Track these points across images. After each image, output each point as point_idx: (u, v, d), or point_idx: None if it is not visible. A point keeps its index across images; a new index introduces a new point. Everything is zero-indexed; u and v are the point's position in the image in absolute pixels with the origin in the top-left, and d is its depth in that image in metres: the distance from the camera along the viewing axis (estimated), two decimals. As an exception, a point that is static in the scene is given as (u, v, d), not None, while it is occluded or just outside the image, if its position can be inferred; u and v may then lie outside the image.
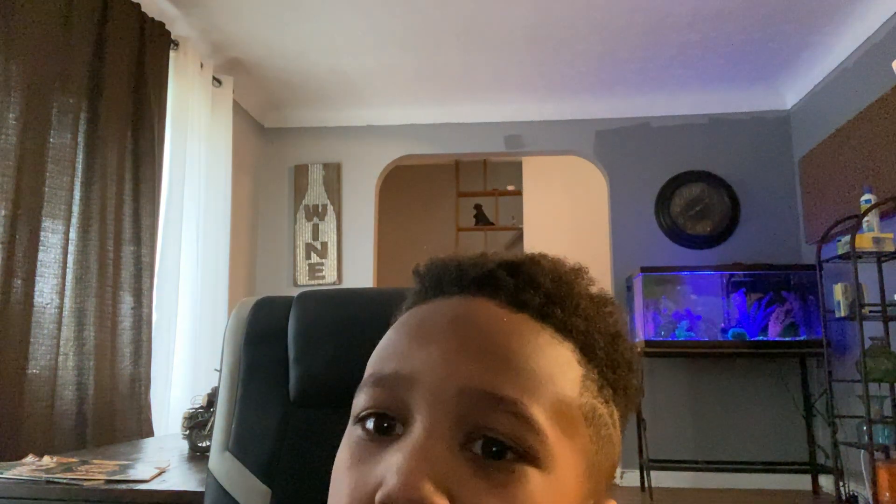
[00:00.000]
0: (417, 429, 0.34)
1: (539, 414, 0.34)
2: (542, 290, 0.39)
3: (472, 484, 0.32)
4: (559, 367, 0.36)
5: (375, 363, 0.38)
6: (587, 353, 0.39)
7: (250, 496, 0.62)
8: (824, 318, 3.42)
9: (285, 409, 0.67)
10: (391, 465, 0.33)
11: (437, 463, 0.32)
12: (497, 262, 0.40)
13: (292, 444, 0.65)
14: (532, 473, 0.33)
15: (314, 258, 4.62)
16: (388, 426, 0.36)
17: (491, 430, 0.33)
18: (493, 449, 0.33)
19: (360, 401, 0.37)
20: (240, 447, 0.65)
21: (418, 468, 0.32)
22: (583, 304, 0.40)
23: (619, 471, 4.22)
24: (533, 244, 5.68)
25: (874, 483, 2.94)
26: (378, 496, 0.32)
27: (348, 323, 0.63)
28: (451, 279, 0.40)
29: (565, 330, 0.38)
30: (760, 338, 3.99)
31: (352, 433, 0.37)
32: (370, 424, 0.36)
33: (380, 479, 0.33)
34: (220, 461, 0.65)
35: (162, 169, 3.15)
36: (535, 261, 0.41)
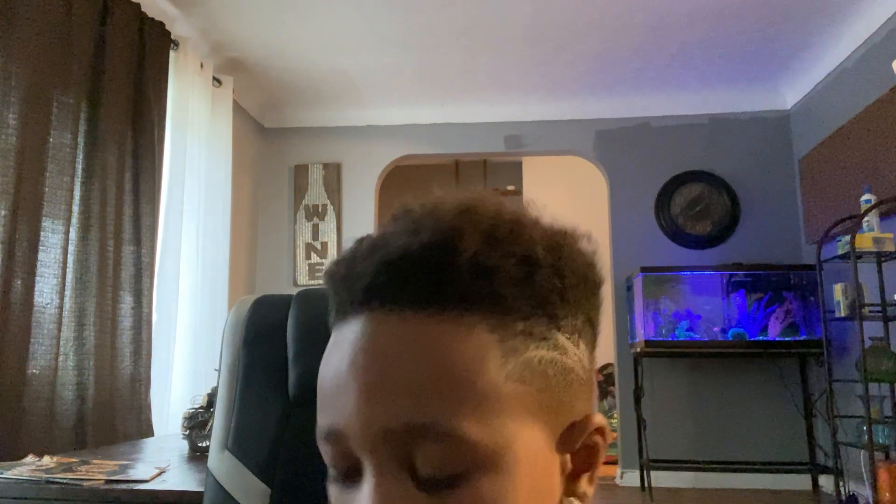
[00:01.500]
0: (368, 476, 0.35)
1: (464, 424, 0.33)
2: (425, 278, 0.35)
3: None
4: (469, 358, 0.34)
5: (318, 412, 0.38)
6: (501, 311, 0.35)
7: (249, 495, 0.62)
8: (824, 318, 3.42)
9: (284, 408, 0.66)
10: None
11: (394, 501, 0.33)
12: (377, 263, 0.37)
13: (291, 442, 0.65)
14: (483, 480, 0.34)
15: (314, 258, 4.62)
16: (352, 472, 0.36)
17: (427, 461, 0.33)
18: (439, 477, 0.33)
19: (323, 451, 0.38)
20: (239, 446, 0.65)
21: None
22: (480, 260, 0.35)
23: (619, 470, 4.23)
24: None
25: (874, 483, 2.94)
26: None
27: (347, 322, 0.63)
28: (347, 296, 0.38)
29: (468, 303, 0.35)
30: (760, 338, 3.99)
31: (329, 481, 0.38)
32: (337, 476, 0.37)
33: None
34: (219, 460, 0.65)
35: (162, 169, 3.15)
36: (407, 247, 0.36)
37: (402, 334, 0.35)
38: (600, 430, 0.40)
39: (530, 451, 0.35)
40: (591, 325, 0.41)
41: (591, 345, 0.41)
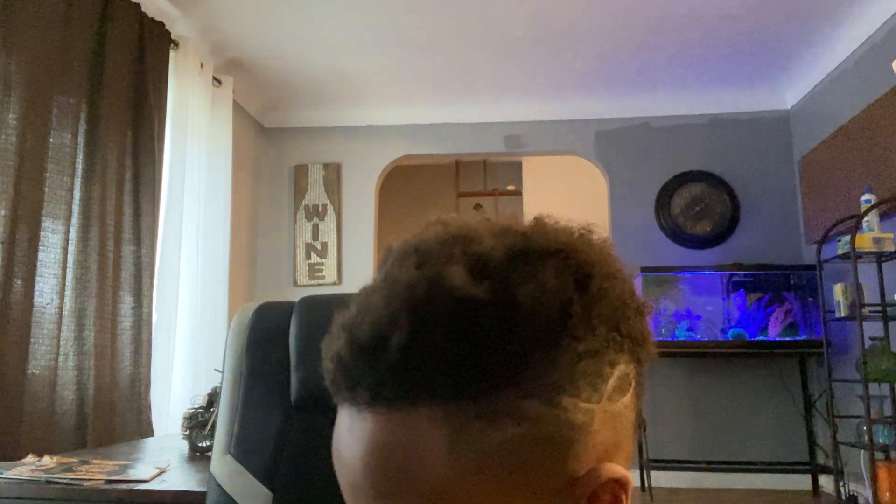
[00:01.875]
0: None
1: None
2: (364, 380, 0.34)
3: None
4: (418, 459, 0.33)
5: None
6: (446, 397, 0.32)
7: (252, 499, 0.62)
8: (824, 318, 3.42)
9: (287, 414, 0.67)
10: None
11: None
12: (334, 356, 0.35)
13: (294, 447, 0.65)
14: None
15: (314, 258, 4.62)
16: None
17: None
18: None
19: None
20: (242, 450, 0.66)
21: None
22: (408, 350, 0.32)
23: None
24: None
25: (874, 483, 2.94)
26: None
27: (350, 327, 0.63)
28: (329, 386, 0.37)
29: (408, 398, 0.33)
30: (760, 338, 3.99)
31: None
32: None
33: None
34: (222, 464, 0.65)
35: (162, 169, 3.15)
36: (354, 332, 0.34)
37: (357, 438, 0.35)
38: (615, 483, 0.35)
39: None
40: (590, 357, 0.35)
41: (590, 385, 0.35)
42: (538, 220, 0.39)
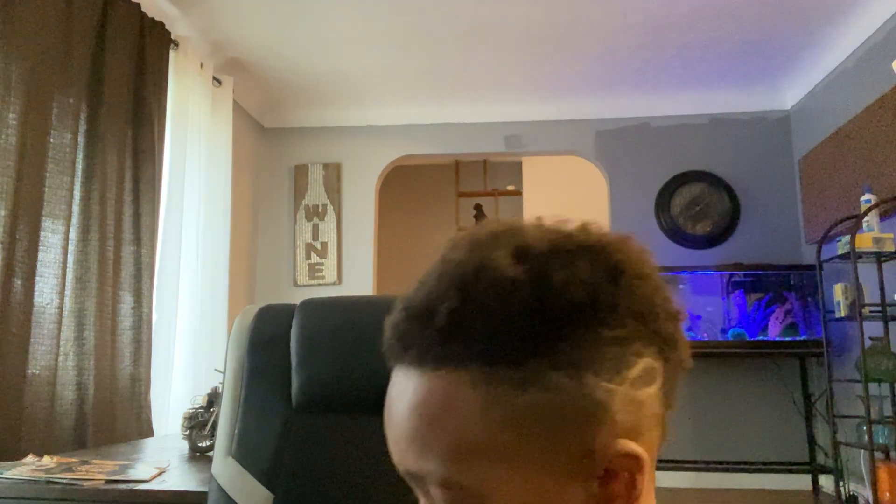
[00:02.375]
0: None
1: (456, 473, 0.37)
2: (415, 336, 0.39)
3: None
4: (456, 414, 0.37)
5: None
6: (482, 361, 0.37)
7: (253, 500, 0.62)
8: (824, 318, 3.42)
9: (288, 415, 0.66)
10: None
11: None
12: (392, 323, 0.41)
13: (294, 449, 0.65)
14: None
15: (314, 258, 4.62)
16: None
17: (433, 499, 0.39)
18: None
19: None
20: (243, 452, 0.66)
21: None
22: (461, 315, 0.37)
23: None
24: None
25: (874, 483, 2.94)
26: None
27: (350, 330, 0.63)
28: (386, 351, 0.42)
29: (450, 361, 0.38)
30: (760, 338, 3.99)
31: None
32: None
33: None
34: (223, 466, 0.65)
35: (162, 169, 3.15)
36: (414, 297, 0.40)
37: (407, 393, 0.40)
38: (626, 456, 0.38)
39: (531, 490, 0.37)
40: (620, 344, 0.39)
41: (613, 368, 0.38)
42: (585, 223, 0.44)
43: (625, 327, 0.39)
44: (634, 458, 0.38)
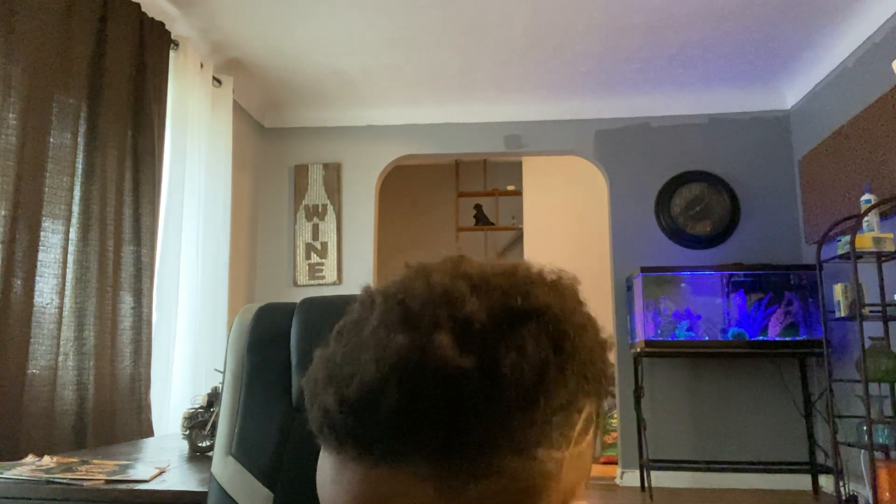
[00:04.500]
0: None
1: None
2: (354, 434, 0.35)
3: None
4: None
5: None
6: (433, 454, 0.34)
7: (253, 500, 0.62)
8: (824, 318, 3.42)
9: (288, 414, 0.67)
10: None
11: None
12: (321, 411, 0.37)
13: (294, 448, 0.65)
14: None
15: (314, 258, 4.62)
16: None
17: None
18: None
19: None
20: (243, 451, 0.66)
21: None
22: (399, 413, 0.34)
23: (619, 470, 4.23)
24: (533, 244, 5.69)
25: (874, 483, 2.94)
26: None
27: (351, 328, 0.62)
28: (320, 433, 0.38)
29: (398, 455, 0.35)
30: (760, 338, 3.99)
31: None
32: None
33: None
34: (223, 465, 0.65)
35: (162, 169, 3.15)
36: (339, 386, 0.36)
37: (346, 485, 0.36)
38: None
39: None
40: (562, 410, 0.37)
41: (561, 435, 0.37)
42: (515, 270, 0.40)
43: (569, 390, 0.37)
44: None
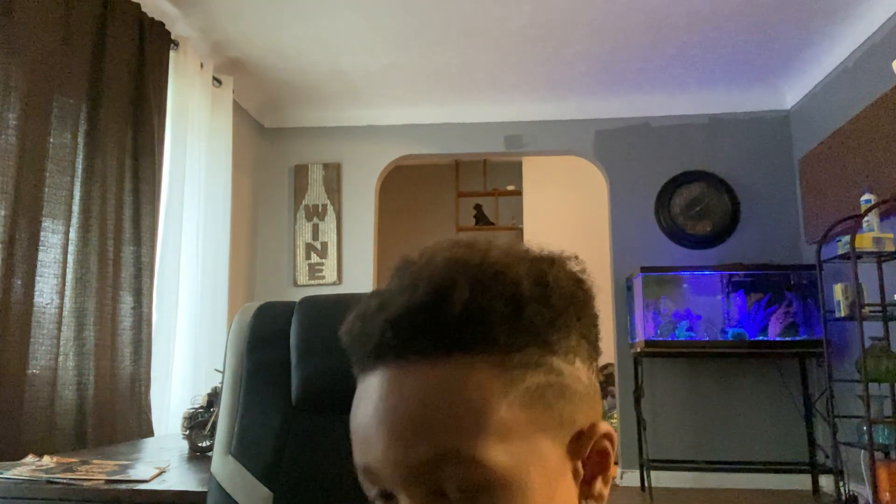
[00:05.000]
0: (404, 502, 0.40)
1: (479, 450, 0.38)
2: (426, 331, 0.40)
3: None
4: (477, 394, 0.39)
5: (354, 451, 0.43)
6: (497, 349, 0.40)
7: (252, 499, 0.62)
8: (824, 318, 3.42)
9: (287, 414, 0.67)
10: None
11: None
12: (381, 325, 0.41)
13: (294, 447, 0.65)
14: (505, 492, 0.38)
15: (314, 258, 4.62)
16: (392, 497, 0.41)
17: (451, 485, 0.38)
18: (464, 496, 0.38)
19: (361, 481, 0.43)
20: (242, 451, 0.66)
21: None
22: (470, 308, 0.40)
23: (619, 470, 4.23)
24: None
25: (874, 483, 2.94)
26: None
27: (351, 327, 0.62)
28: (362, 356, 0.42)
29: (467, 347, 0.40)
30: (760, 338, 3.99)
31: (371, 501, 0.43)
32: (379, 499, 0.42)
33: None
34: (222, 464, 0.65)
35: (162, 169, 3.15)
36: (408, 306, 0.40)
37: (414, 383, 0.40)
38: (607, 436, 0.44)
39: (541, 465, 0.40)
40: (587, 339, 0.45)
41: (591, 358, 0.45)
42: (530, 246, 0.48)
43: (589, 328, 0.45)
44: (610, 438, 0.44)
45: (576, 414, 0.43)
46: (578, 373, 0.43)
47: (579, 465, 0.43)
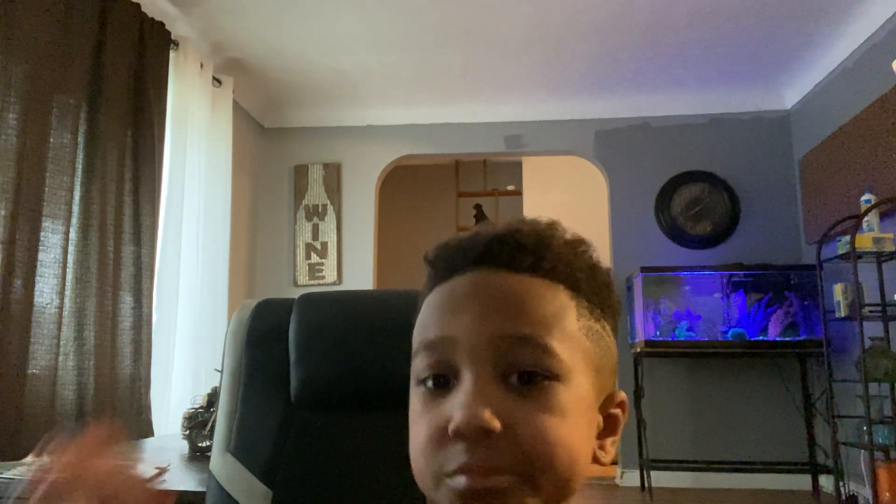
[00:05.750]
0: (467, 376, 0.45)
1: (553, 342, 0.45)
2: (529, 252, 0.48)
3: (517, 405, 0.44)
4: (559, 306, 0.48)
5: (420, 332, 0.49)
6: (575, 289, 0.49)
7: (251, 497, 0.62)
8: (824, 318, 3.41)
9: (286, 411, 0.66)
10: (455, 405, 0.44)
11: (488, 397, 0.43)
12: (489, 238, 0.49)
13: (293, 445, 0.65)
14: (556, 387, 0.45)
15: (314, 258, 4.61)
16: (442, 381, 0.47)
17: (520, 362, 0.45)
18: (525, 377, 0.45)
19: (418, 365, 0.48)
20: (241, 449, 0.66)
21: (476, 402, 0.43)
22: (563, 252, 0.50)
23: (619, 470, 4.23)
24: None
25: (874, 483, 2.94)
26: (451, 427, 0.43)
27: (349, 325, 0.62)
28: (459, 260, 0.50)
29: (555, 276, 0.49)
30: (760, 338, 3.99)
31: (416, 392, 0.49)
32: (430, 383, 0.47)
33: (448, 416, 0.44)
34: (221, 463, 0.65)
35: (162, 169, 3.15)
36: (517, 228, 0.50)
37: (508, 282, 0.48)
38: (622, 405, 0.53)
39: (585, 387, 0.48)
40: (616, 329, 0.53)
41: (614, 332, 0.54)
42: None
43: (617, 315, 0.55)
44: (625, 407, 0.53)
45: (609, 374, 0.51)
46: (614, 347, 0.53)
47: (601, 419, 0.51)
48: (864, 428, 3.00)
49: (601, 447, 0.51)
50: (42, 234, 2.42)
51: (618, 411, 0.52)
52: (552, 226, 0.52)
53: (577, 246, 0.52)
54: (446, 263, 0.51)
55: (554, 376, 0.45)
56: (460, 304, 0.47)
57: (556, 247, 0.50)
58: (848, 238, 3.08)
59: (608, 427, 0.51)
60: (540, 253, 0.49)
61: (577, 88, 4.35)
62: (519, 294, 0.47)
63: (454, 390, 0.45)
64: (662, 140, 4.51)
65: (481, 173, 6.31)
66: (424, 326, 0.49)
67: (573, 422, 0.45)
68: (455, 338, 0.46)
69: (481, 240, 0.50)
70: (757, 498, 3.79)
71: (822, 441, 3.93)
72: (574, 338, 0.47)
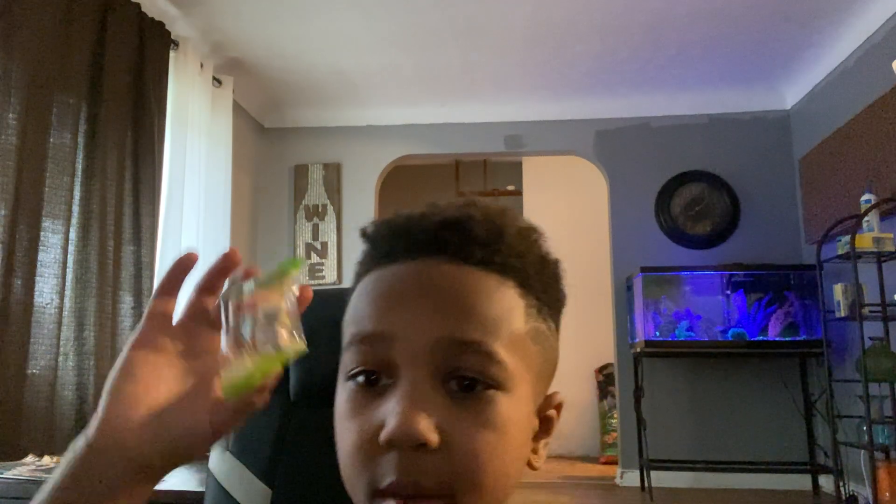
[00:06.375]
0: (404, 378, 0.41)
1: (499, 349, 0.42)
2: (481, 243, 0.45)
3: (454, 415, 0.41)
4: (507, 306, 0.44)
5: (355, 323, 0.45)
6: (524, 285, 0.46)
7: (250, 496, 0.62)
8: (824, 318, 3.41)
9: (285, 410, 0.67)
10: (389, 410, 0.40)
11: (425, 404, 0.40)
12: (438, 223, 0.45)
13: (292, 444, 0.65)
14: (497, 397, 0.42)
15: (314, 258, 4.61)
16: (374, 379, 0.43)
17: (463, 369, 0.42)
18: (466, 384, 0.42)
19: (348, 359, 0.45)
20: (240, 447, 0.66)
21: (412, 409, 0.40)
22: (515, 244, 0.46)
23: (619, 470, 4.23)
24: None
25: (874, 483, 2.94)
26: (382, 436, 0.40)
27: (349, 322, 0.62)
28: (403, 244, 0.46)
29: (506, 272, 0.45)
30: (760, 338, 3.99)
31: (345, 387, 0.45)
32: (361, 379, 0.43)
33: (381, 422, 0.40)
34: (220, 461, 0.65)
35: (162, 169, 3.15)
36: (469, 214, 0.46)
37: (456, 277, 0.44)
38: (559, 407, 0.50)
39: (527, 395, 0.45)
40: (559, 325, 0.50)
41: (557, 348, 0.50)
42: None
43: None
44: (560, 409, 0.50)
45: (547, 378, 0.48)
46: (557, 346, 0.49)
47: (536, 422, 0.48)
48: (864, 428, 3.00)
49: (534, 450, 0.48)
50: (42, 233, 2.42)
51: (553, 413, 0.50)
52: (504, 213, 0.48)
53: (530, 235, 0.48)
54: (388, 245, 0.46)
55: (497, 385, 0.42)
56: (401, 297, 0.44)
57: (508, 237, 0.46)
58: (848, 238, 3.08)
59: (542, 429, 0.49)
60: (492, 245, 0.45)
61: (578, 88, 4.35)
62: (466, 292, 0.43)
63: (388, 392, 0.42)
64: (662, 140, 4.51)
65: (481, 173, 6.31)
66: (360, 317, 0.45)
67: (511, 437, 0.43)
68: (393, 335, 0.42)
69: (428, 225, 0.45)
70: (757, 498, 3.79)
71: (822, 441, 3.93)
72: (520, 342, 0.44)
